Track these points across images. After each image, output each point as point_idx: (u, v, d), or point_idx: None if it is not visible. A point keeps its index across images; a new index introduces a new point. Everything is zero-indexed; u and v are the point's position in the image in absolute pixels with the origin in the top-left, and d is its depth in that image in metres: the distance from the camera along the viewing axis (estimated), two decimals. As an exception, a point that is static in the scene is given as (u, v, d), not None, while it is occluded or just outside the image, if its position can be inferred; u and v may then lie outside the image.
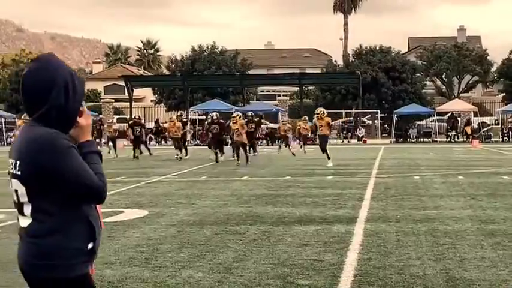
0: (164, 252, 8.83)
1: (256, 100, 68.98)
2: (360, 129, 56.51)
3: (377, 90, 58.85)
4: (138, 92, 68.84)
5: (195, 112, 54.45)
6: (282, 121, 39.14)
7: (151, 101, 72.50)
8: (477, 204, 13.44)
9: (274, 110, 53.87)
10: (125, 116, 57.90)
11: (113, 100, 66.79)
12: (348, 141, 52.80)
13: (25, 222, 3.22)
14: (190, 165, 26.05)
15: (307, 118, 38.24)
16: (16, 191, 3.24)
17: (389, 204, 13.47)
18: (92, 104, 66.99)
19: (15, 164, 3.21)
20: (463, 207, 13.04)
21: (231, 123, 27.43)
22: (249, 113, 35.10)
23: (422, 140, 53.63)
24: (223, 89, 62.97)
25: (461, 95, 65.22)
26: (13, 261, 8.14)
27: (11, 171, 3.25)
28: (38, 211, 3.18)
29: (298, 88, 61.96)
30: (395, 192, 15.65)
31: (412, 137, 54.51)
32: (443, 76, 66.67)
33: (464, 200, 14.05)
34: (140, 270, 7.81)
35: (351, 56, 65.04)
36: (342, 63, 65.96)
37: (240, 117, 27.24)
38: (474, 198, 14.34)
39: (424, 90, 62.06)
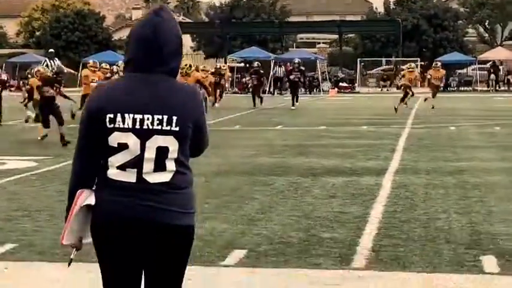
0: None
1: (296, 47, 68.39)
2: (399, 78, 55.79)
3: (418, 38, 57.93)
4: (176, 39, 68.56)
5: (233, 60, 54.27)
6: (408, 67, 28.66)
7: (190, 47, 72.34)
8: (511, 156, 13.22)
9: (312, 58, 53.33)
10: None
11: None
12: (387, 90, 52.24)
13: (164, 176, 3.18)
14: (226, 114, 25.73)
15: (438, 64, 31.45)
16: (160, 147, 3.15)
17: (422, 156, 13.35)
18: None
19: (168, 119, 3.13)
20: (496, 159, 12.88)
21: None
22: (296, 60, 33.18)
23: (463, 88, 52.84)
24: (262, 36, 62.57)
25: (504, 42, 63.91)
26: (44, 209, 8.28)
27: (155, 127, 3.13)
28: (181, 165, 3.23)
29: (337, 36, 61.23)
30: (428, 143, 15.49)
31: (452, 85, 53.70)
32: (486, 23, 65.30)
33: (497, 152, 13.85)
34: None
35: (391, 3, 63.97)
36: (382, 11, 64.98)
37: None
38: (509, 150, 14.11)
39: (465, 38, 60.93)
